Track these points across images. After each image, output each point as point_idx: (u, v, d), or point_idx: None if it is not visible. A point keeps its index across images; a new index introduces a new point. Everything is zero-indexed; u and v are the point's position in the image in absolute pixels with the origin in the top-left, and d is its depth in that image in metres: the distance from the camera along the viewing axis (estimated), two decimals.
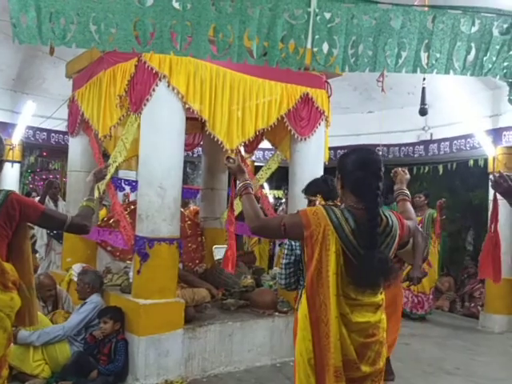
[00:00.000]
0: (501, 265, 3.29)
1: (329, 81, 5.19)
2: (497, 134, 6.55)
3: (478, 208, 8.81)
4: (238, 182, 2.35)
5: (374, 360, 2.06)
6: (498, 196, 2.76)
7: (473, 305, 7.66)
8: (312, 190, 3.04)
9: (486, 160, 6.96)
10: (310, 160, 5.10)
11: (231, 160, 2.41)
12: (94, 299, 4.27)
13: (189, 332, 4.23)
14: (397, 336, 4.07)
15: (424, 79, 4.52)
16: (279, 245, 7.97)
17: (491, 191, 6.51)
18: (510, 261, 6.60)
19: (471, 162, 7.42)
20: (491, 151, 6.64)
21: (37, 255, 6.20)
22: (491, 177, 2.64)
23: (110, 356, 3.97)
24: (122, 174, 7.73)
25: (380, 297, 2.14)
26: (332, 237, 2.00)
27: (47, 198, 6.23)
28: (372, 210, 2.04)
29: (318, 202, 2.88)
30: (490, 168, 6.72)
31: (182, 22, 1.77)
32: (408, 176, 2.66)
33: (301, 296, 2.22)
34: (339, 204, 2.82)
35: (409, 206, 2.52)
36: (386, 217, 2.12)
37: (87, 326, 4.18)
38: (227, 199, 6.75)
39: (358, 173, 2.09)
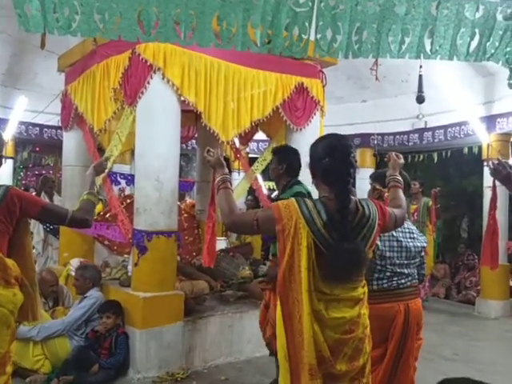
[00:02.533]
0: (498, 252, 3.32)
1: (323, 70, 5.18)
2: (490, 120, 6.58)
3: (472, 195, 8.87)
4: (216, 175, 2.27)
5: (351, 357, 1.97)
6: (497, 183, 2.77)
7: (465, 293, 7.76)
8: (385, 179, 2.72)
9: (480, 147, 7.00)
10: (306, 150, 5.05)
11: (211, 153, 2.35)
12: (95, 294, 4.26)
13: (189, 324, 4.24)
14: None
15: (421, 67, 4.51)
16: None
17: (485, 178, 6.64)
18: (504, 247, 6.67)
19: (465, 150, 7.45)
20: (485, 138, 6.67)
21: (34, 251, 6.18)
22: (490, 164, 2.64)
23: (110, 350, 3.97)
24: (116, 167, 7.69)
25: (361, 290, 2.04)
26: (304, 230, 1.91)
27: (43, 194, 6.21)
28: (342, 198, 1.94)
29: (386, 195, 2.67)
30: (485, 155, 6.76)
31: (186, 11, 1.76)
32: (402, 161, 2.57)
33: None
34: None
35: (400, 193, 2.42)
36: (362, 206, 2.01)
37: (87, 320, 4.18)
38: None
39: (326, 160, 1.98)
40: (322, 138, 2.15)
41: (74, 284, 4.48)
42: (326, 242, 1.92)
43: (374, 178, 2.99)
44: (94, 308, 4.16)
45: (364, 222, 2.00)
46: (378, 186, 2.88)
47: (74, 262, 4.87)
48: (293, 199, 2.01)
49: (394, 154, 2.59)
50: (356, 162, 2.06)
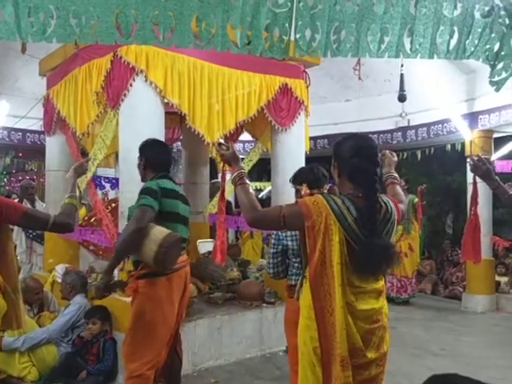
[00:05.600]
0: (481, 246, 3.36)
1: (306, 71, 5.20)
2: (473, 118, 6.66)
3: (456, 192, 8.99)
4: (232, 170, 2.25)
5: (378, 345, 2.06)
6: (477, 179, 2.81)
7: (451, 288, 7.84)
8: (298, 179, 2.98)
9: (463, 144, 7.09)
10: (292, 150, 5.11)
11: (224, 146, 2.29)
12: (78, 300, 4.22)
13: None
14: None
15: (402, 66, 4.55)
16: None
17: (469, 175, 6.72)
18: (489, 242, 6.76)
19: (448, 147, 7.53)
20: (468, 135, 6.75)
21: (18, 258, 6.11)
22: (470, 160, 2.68)
23: (98, 356, 3.94)
24: (101, 171, 7.63)
25: (381, 283, 2.13)
26: (334, 226, 1.96)
27: (25, 201, 6.14)
28: (371, 196, 2.03)
29: (303, 192, 2.86)
30: (468, 152, 6.84)
31: (165, 12, 1.75)
32: (396, 158, 2.64)
33: (301, 285, 2.19)
34: (324, 192, 2.83)
35: (399, 188, 2.51)
36: (384, 203, 2.10)
37: (73, 326, 4.13)
38: (209, 191, 6.73)
39: (355, 160, 2.05)
40: (348, 138, 2.19)
41: (60, 290, 4.43)
42: (356, 238, 1.98)
43: (292, 180, 3.11)
44: (78, 314, 4.11)
45: (388, 217, 2.09)
46: (296, 186, 3.01)
47: (60, 268, 4.82)
48: (320, 196, 2.06)
49: (388, 151, 2.66)
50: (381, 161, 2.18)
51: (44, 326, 4.14)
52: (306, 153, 5.26)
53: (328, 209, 1.98)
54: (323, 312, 2.00)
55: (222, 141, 2.41)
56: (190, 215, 6.20)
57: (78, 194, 2.64)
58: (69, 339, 4.10)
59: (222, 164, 2.34)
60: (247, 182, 2.19)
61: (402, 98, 5.28)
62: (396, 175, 2.56)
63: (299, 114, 5.09)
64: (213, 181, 7.07)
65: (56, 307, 4.56)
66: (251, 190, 2.19)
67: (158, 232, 2.81)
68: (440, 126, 7.13)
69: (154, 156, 3.20)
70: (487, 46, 1.96)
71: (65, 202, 2.53)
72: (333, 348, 1.97)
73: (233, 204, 7.58)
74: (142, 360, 2.97)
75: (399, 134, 7.74)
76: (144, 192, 2.96)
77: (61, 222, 2.40)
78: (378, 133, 7.97)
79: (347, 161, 2.08)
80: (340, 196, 2.08)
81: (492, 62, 1.98)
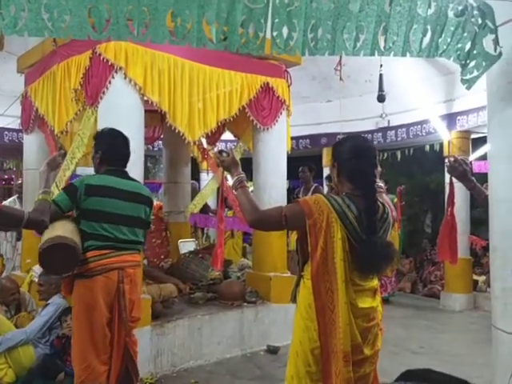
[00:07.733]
0: (457, 247, 3.39)
1: (288, 70, 5.21)
2: (451, 118, 6.76)
3: (434, 191, 9.11)
4: (232, 175, 2.30)
5: (373, 342, 2.13)
6: (454, 180, 2.84)
7: (430, 287, 7.95)
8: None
9: (441, 144, 7.19)
10: (274, 150, 5.12)
11: (224, 154, 2.35)
12: (56, 300, 4.14)
13: (157, 328, 4.18)
14: None
15: (381, 66, 4.58)
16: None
17: (447, 175, 6.77)
18: (466, 241, 6.86)
19: (427, 147, 7.63)
20: (446, 136, 6.85)
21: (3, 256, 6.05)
22: (447, 161, 2.72)
23: None
24: (80, 170, 7.51)
25: (376, 281, 2.19)
26: (336, 224, 2.02)
27: (15, 199, 6.10)
28: (370, 196, 2.08)
29: None
30: (446, 152, 6.94)
31: (139, 7, 1.74)
32: (380, 169, 2.70)
33: (297, 285, 2.23)
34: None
35: (385, 197, 2.55)
36: (382, 204, 2.17)
37: (51, 327, 4.06)
38: (191, 192, 6.70)
39: (354, 161, 2.11)
40: (347, 140, 2.26)
41: (38, 290, 4.35)
42: (357, 236, 2.04)
43: (330, 179, 3.11)
44: (56, 314, 4.05)
45: (385, 217, 2.15)
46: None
47: (37, 268, 4.73)
48: (320, 195, 2.13)
49: None
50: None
51: (22, 327, 4.06)
52: (287, 152, 5.27)
53: (329, 207, 2.04)
54: (324, 309, 2.05)
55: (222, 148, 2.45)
56: (171, 214, 6.14)
57: (57, 193, 2.59)
58: (46, 340, 4.03)
59: (222, 172, 2.32)
60: (247, 185, 2.25)
61: (381, 99, 5.34)
62: (381, 184, 2.61)
63: (281, 113, 5.10)
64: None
65: (34, 308, 4.48)
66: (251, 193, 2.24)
67: (45, 233, 2.64)
68: (419, 126, 7.23)
69: (111, 149, 2.97)
70: (459, 45, 2.00)
71: (38, 197, 2.48)
72: (333, 345, 2.02)
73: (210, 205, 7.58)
74: (80, 365, 2.94)
75: (379, 134, 7.82)
76: (64, 188, 2.88)
77: (35, 220, 2.36)
78: (359, 133, 8.02)
79: (346, 162, 2.15)
80: (340, 195, 2.14)
81: (463, 62, 2.03)
